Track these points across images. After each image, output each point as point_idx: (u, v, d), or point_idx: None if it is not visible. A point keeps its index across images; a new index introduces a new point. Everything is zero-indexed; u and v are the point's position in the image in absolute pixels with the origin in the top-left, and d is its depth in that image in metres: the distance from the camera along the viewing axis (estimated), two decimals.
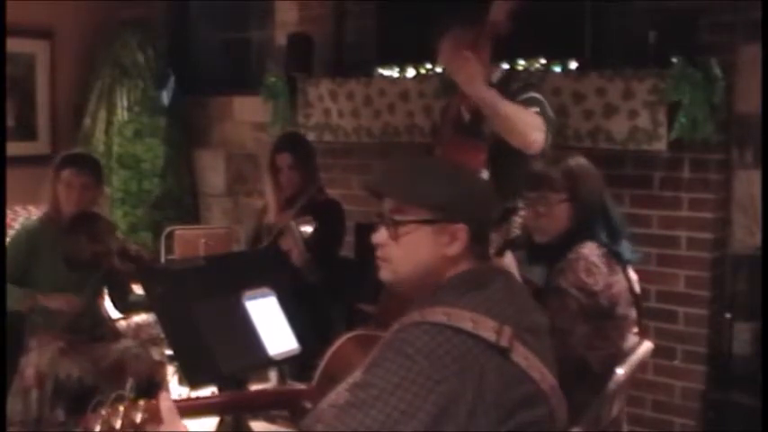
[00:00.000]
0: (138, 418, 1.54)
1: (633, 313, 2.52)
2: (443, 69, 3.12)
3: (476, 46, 2.67)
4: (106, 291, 3.57)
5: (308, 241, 3.46)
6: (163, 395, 1.55)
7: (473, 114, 2.80)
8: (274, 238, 3.50)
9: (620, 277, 2.43)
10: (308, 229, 3.42)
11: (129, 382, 3.05)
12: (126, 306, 3.64)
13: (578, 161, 2.51)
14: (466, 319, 1.40)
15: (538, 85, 2.90)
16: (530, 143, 2.57)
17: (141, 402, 1.57)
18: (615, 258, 2.43)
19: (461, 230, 1.51)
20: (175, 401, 1.60)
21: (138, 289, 3.52)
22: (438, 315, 1.41)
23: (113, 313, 3.79)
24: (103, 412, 1.55)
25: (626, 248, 2.47)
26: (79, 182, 3.39)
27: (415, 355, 1.36)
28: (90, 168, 3.46)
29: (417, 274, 1.54)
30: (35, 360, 3.18)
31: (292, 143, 3.73)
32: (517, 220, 2.68)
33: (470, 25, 2.77)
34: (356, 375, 1.48)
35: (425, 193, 1.53)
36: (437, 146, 2.99)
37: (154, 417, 1.54)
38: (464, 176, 1.62)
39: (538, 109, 2.67)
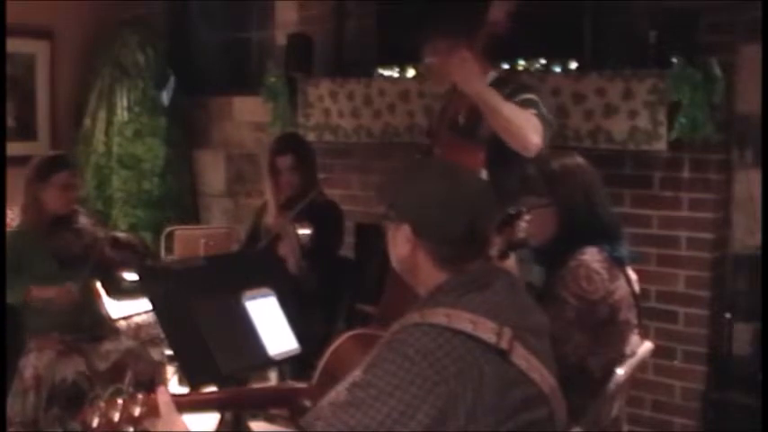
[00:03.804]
0: (137, 411, 1.54)
1: (635, 317, 2.47)
2: (431, 69, 3.07)
3: (473, 45, 2.66)
4: (98, 281, 3.57)
5: (306, 246, 3.46)
6: (161, 389, 1.56)
7: (468, 116, 2.76)
8: (271, 241, 3.49)
9: (621, 282, 2.38)
10: (305, 233, 3.42)
11: (128, 376, 3.05)
12: (119, 292, 3.66)
13: (563, 161, 2.44)
14: (465, 321, 1.40)
15: (532, 86, 2.87)
16: (528, 145, 2.54)
17: (140, 396, 1.57)
18: (617, 263, 2.39)
19: (404, 230, 1.54)
20: (175, 396, 1.60)
21: (129, 276, 3.54)
22: (438, 316, 1.41)
23: (113, 313, 3.79)
24: (101, 405, 1.55)
25: (624, 250, 2.44)
26: (74, 183, 3.41)
27: (414, 357, 1.36)
28: (76, 167, 3.49)
29: (400, 269, 1.59)
30: (33, 362, 3.18)
31: (293, 145, 3.70)
32: (522, 224, 2.66)
33: (465, 25, 2.76)
34: (355, 374, 1.48)
35: (386, 193, 1.63)
36: (436, 146, 2.98)
37: (152, 411, 1.54)
38: (429, 179, 1.59)
39: (534, 111, 2.64)
